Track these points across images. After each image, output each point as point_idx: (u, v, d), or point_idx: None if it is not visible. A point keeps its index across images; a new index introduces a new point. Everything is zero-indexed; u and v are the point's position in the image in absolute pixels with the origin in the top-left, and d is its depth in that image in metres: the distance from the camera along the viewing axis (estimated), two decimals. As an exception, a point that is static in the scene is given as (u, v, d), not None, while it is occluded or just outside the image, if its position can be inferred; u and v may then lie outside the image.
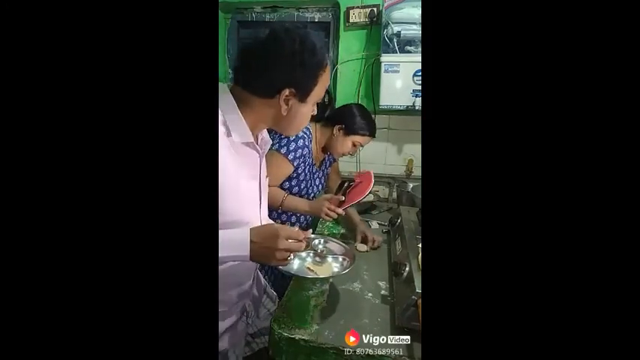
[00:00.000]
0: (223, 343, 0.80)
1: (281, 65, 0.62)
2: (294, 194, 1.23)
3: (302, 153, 1.15)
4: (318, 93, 0.68)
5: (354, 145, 1.24)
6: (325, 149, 1.31)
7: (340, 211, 1.10)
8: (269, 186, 0.87)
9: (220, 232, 0.60)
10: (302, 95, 0.66)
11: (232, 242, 0.63)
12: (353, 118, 1.22)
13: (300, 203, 1.17)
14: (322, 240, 0.91)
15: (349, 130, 1.22)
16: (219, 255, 0.59)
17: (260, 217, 0.78)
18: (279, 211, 1.18)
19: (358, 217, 1.32)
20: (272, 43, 0.63)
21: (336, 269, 0.82)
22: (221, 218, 0.61)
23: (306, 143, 1.16)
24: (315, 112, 0.73)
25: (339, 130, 1.23)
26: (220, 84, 0.66)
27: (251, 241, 0.63)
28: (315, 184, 1.32)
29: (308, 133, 1.18)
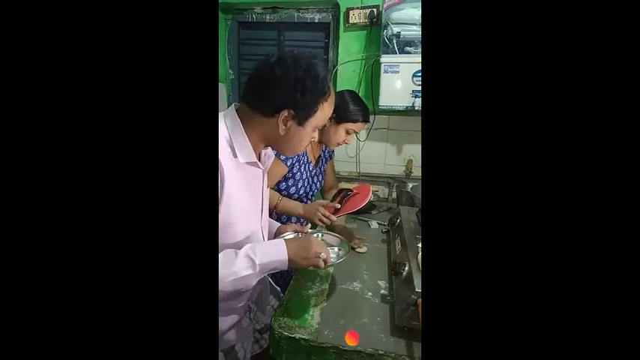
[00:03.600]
0: (231, 338, 0.83)
1: (283, 88, 0.67)
2: (293, 194, 1.23)
3: None
4: (318, 119, 0.73)
5: (347, 133, 1.22)
6: (321, 142, 1.30)
7: (334, 218, 1.11)
8: None
9: (258, 245, 0.71)
10: (300, 119, 0.70)
11: (269, 252, 0.70)
12: (344, 105, 1.20)
13: (294, 206, 1.17)
14: (319, 234, 0.97)
15: (341, 118, 1.20)
16: (261, 262, 0.68)
17: (261, 224, 0.83)
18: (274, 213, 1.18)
19: (342, 225, 1.30)
20: (279, 66, 0.67)
21: (332, 259, 0.85)
22: (225, 229, 0.69)
23: None
24: (316, 139, 0.78)
25: (330, 120, 1.19)
26: (220, 104, 0.69)
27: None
28: (313, 182, 1.31)
29: None
